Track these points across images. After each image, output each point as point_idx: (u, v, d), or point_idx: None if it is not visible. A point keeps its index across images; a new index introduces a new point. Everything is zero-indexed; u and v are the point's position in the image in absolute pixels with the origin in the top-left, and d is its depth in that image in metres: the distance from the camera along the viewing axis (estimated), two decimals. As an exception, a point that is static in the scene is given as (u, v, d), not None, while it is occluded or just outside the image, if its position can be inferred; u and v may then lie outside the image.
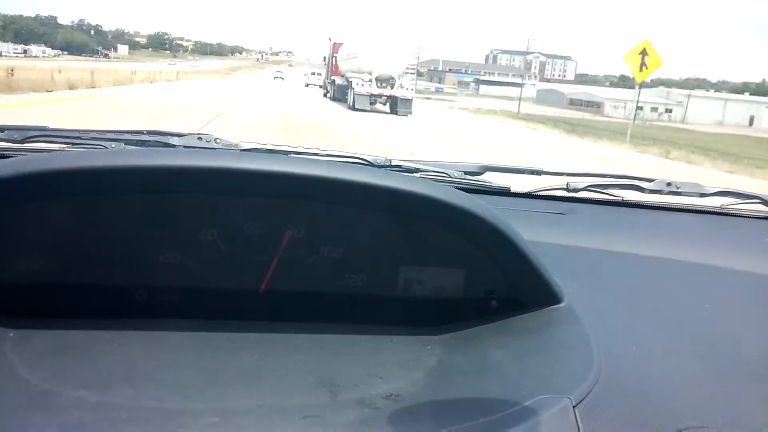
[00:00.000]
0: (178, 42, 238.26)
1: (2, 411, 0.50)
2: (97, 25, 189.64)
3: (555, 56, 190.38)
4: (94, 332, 0.63)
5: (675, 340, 0.76)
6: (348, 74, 26.03)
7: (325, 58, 34.98)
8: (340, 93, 27.58)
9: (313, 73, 55.57)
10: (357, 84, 23.29)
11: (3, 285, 0.64)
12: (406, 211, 0.68)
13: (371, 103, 23.78)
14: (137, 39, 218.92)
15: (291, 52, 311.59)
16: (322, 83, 54.12)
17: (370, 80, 23.37)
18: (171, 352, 0.62)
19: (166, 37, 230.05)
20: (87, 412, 0.51)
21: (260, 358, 0.63)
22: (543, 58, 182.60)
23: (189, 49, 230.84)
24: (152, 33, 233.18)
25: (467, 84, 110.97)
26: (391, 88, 23.92)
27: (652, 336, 0.77)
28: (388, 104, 24.27)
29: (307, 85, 53.27)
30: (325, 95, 33.25)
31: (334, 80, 29.25)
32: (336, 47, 30.01)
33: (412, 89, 24.46)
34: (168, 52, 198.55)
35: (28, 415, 0.50)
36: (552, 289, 0.73)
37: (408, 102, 23.85)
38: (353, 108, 23.12)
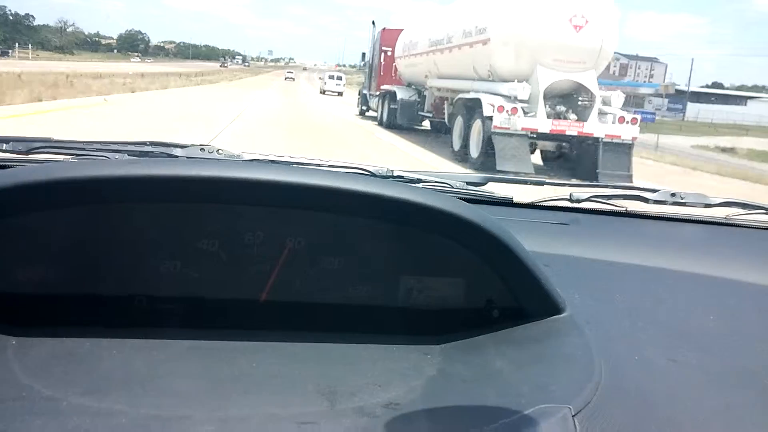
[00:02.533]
0: (160, 44, 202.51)
1: (4, 417, 0.52)
2: (26, 16, 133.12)
3: (638, 57, 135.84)
4: (95, 340, 0.64)
5: (678, 351, 0.76)
6: (435, 83, 13.23)
7: (364, 55, 22.30)
8: (405, 116, 15.25)
9: (332, 77, 43.25)
10: (496, 110, 9.32)
11: (5, 294, 0.65)
12: (408, 221, 0.68)
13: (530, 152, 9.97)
14: (103, 39, 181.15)
15: (293, 59, 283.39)
16: (341, 90, 41.73)
17: (528, 100, 9.49)
18: (170, 360, 0.63)
19: (140, 36, 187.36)
20: (87, 418, 0.52)
21: (259, 366, 0.63)
22: (624, 60, 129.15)
23: (171, 52, 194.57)
24: (123, 32, 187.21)
25: (640, 99, 52.23)
26: (579, 118, 9.67)
27: (654, 347, 0.76)
28: (551, 153, 10.61)
29: (323, 92, 41.64)
30: (362, 113, 21.02)
31: (393, 93, 16.08)
32: (389, 36, 17.28)
33: (634, 120, 9.63)
34: (136, 54, 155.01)
35: (29, 421, 0.51)
36: (554, 299, 0.73)
37: (625, 151, 9.44)
38: (481, 164, 9.62)
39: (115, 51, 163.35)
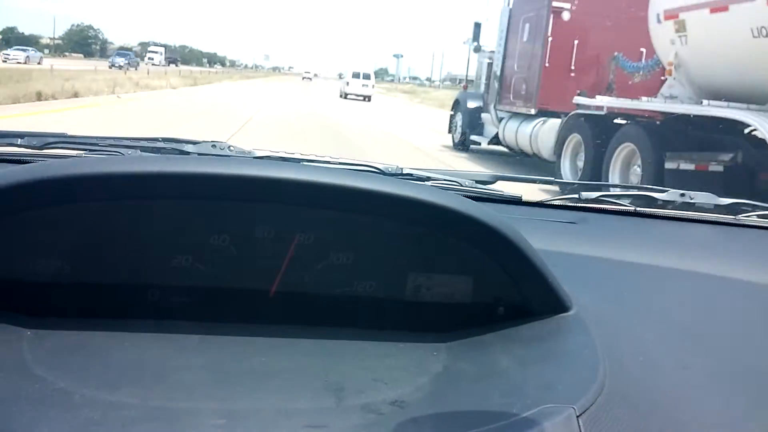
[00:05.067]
0: (126, 46, 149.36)
1: (17, 406, 0.52)
2: None
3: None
4: (107, 333, 0.65)
5: (685, 352, 0.76)
6: None
7: (477, 29, 11.87)
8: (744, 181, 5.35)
9: (357, 76, 36.00)
10: None
11: (21, 286, 0.66)
12: (417, 219, 0.69)
13: None
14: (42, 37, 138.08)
15: (292, 67, 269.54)
16: (370, 93, 35.50)
17: None
18: (181, 354, 0.64)
19: (92, 32, 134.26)
20: (98, 410, 0.53)
21: (268, 361, 0.64)
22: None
23: (138, 54, 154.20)
24: (69, 28, 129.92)
25: None
26: None
27: (661, 347, 0.76)
28: None
29: (345, 95, 35.35)
30: (464, 145, 11.81)
31: (675, 123, 6.62)
32: None
33: None
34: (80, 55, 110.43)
35: (41, 412, 0.52)
36: (560, 298, 0.74)
37: None
38: None
39: (46, 51, 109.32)
